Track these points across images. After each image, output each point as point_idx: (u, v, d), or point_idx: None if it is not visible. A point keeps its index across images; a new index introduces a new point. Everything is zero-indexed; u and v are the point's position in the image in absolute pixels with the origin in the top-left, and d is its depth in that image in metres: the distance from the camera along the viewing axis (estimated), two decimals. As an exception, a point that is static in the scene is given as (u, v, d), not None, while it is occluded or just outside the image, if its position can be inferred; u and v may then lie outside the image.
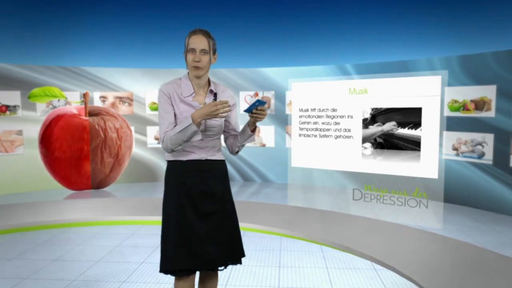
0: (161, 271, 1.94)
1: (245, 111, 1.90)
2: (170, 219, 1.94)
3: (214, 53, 1.99)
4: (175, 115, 1.95)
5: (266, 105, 1.85)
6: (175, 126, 1.93)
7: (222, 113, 1.82)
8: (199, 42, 1.90)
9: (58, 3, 7.53)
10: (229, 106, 1.84)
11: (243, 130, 2.03)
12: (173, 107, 1.95)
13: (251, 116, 1.91)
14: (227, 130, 2.11)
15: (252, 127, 2.00)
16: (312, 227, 4.20)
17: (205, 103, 1.98)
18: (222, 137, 2.13)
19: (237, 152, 2.13)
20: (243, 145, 2.08)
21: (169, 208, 1.97)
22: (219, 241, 1.97)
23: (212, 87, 2.02)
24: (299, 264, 3.39)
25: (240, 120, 2.09)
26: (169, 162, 2.01)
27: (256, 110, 1.87)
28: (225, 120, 2.07)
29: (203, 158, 1.98)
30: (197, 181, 1.95)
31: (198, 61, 1.91)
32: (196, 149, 1.97)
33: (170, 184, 1.99)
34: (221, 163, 2.07)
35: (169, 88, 1.97)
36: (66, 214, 4.63)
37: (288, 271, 3.24)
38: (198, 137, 1.92)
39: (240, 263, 2.08)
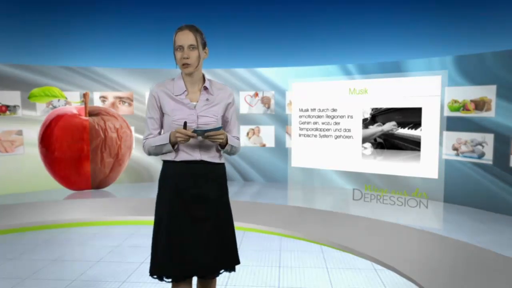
0: (150, 274, 1.88)
1: (194, 131, 1.82)
2: (161, 222, 1.89)
3: (204, 47, 1.92)
4: (163, 115, 1.94)
5: (221, 130, 1.80)
6: (159, 131, 1.97)
7: (182, 141, 1.81)
8: (185, 38, 1.84)
9: (58, 3, 7.53)
10: (194, 137, 1.80)
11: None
12: (160, 110, 1.93)
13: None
14: (225, 128, 2.04)
15: (221, 146, 1.95)
16: (312, 227, 4.20)
17: (199, 100, 1.93)
18: None
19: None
20: (228, 154, 2.02)
21: (160, 211, 1.91)
22: (211, 248, 1.88)
23: (206, 84, 1.95)
24: (299, 264, 3.39)
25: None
26: (164, 162, 1.96)
27: (208, 134, 1.80)
28: (224, 118, 2.01)
29: (198, 159, 1.90)
30: (190, 184, 1.88)
31: (187, 58, 1.85)
32: (190, 149, 1.90)
33: (163, 186, 1.93)
34: (218, 166, 1.97)
35: (158, 89, 1.93)
36: (66, 214, 4.63)
37: (288, 271, 3.24)
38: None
39: (234, 270, 2.01)
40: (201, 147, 1.91)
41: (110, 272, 3.20)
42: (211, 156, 1.94)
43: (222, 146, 1.94)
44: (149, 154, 1.97)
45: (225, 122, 2.03)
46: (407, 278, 3.00)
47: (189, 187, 1.88)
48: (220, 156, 2.00)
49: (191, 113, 1.89)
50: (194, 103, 1.92)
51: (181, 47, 1.85)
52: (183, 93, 1.92)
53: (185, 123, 1.81)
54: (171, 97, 1.91)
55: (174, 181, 1.90)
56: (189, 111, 1.89)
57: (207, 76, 2.03)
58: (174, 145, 1.89)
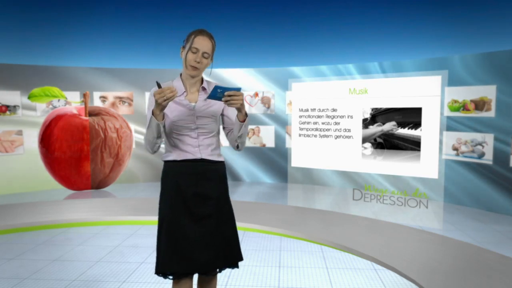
0: (155, 273, 1.93)
1: (208, 97, 1.77)
2: (163, 221, 1.93)
3: (212, 57, 1.98)
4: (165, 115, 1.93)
5: (242, 92, 1.65)
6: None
7: (166, 99, 1.70)
8: (205, 44, 1.89)
9: (58, 3, 7.54)
10: (174, 92, 1.71)
11: (234, 121, 1.95)
12: None
13: (224, 103, 1.78)
14: (227, 126, 2.06)
15: (240, 117, 1.89)
16: (312, 227, 4.20)
17: (198, 100, 1.96)
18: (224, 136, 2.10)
19: (238, 147, 2.02)
20: (240, 138, 1.96)
21: (163, 210, 1.95)
22: (212, 245, 1.93)
23: (204, 85, 1.99)
24: (299, 264, 3.39)
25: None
26: (165, 162, 1.99)
27: (224, 96, 1.73)
28: (224, 116, 2.03)
29: (198, 158, 1.94)
30: (191, 183, 1.93)
31: (199, 62, 1.89)
32: (190, 148, 1.94)
33: (165, 185, 1.97)
34: (218, 165, 2.01)
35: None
36: (66, 214, 4.63)
37: (288, 271, 3.24)
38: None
39: (237, 267, 2.05)
40: (200, 146, 1.95)
41: (110, 272, 3.20)
42: (210, 154, 1.98)
43: (242, 118, 1.89)
44: (148, 145, 1.91)
45: (226, 120, 2.05)
46: (407, 278, 3.00)
47: (190, 186, 1.92)
48: (219, 154, 2.04)
49: (189, 114, 1.92)
50: (193, 103, 1.94)
51: (197, 50, 1.88)
52: (182, 94, 1.95)
53: (157, 83, 1.73)
54: None
55: (175, 179, 1.93)
56: (188, 111, 1.92)
57: (205, 77, 2.05)
58: (159, 115, 1.79)
